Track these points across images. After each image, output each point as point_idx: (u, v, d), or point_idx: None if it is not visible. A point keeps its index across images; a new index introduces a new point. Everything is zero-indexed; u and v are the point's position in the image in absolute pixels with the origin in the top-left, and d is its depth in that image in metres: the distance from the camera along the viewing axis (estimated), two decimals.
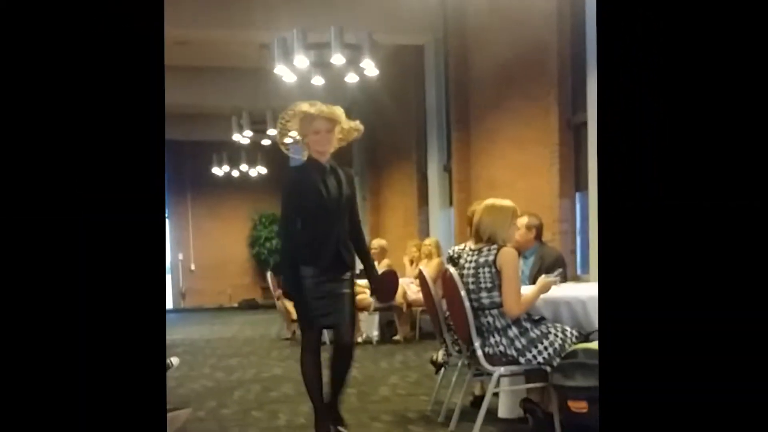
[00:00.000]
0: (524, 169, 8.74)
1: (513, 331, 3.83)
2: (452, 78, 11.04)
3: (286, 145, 4.36)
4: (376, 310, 8.76)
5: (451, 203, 11.17)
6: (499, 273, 3.85)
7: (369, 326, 8.89)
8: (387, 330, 9.08)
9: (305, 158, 4.15)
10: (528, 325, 3.86)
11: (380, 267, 8.89)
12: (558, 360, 3.72)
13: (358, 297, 8.79)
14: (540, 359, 3.77)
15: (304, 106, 4.03)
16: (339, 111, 4.07)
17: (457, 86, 10.84)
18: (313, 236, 3.99)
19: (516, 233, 4.67)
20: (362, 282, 8.95)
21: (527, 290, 4.04)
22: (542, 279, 4.05)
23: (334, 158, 4.20)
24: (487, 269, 3.88)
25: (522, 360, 3.79)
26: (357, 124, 4.19)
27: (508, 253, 3.88)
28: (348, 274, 4.09)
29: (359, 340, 8.71)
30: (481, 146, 10.25)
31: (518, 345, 3.81)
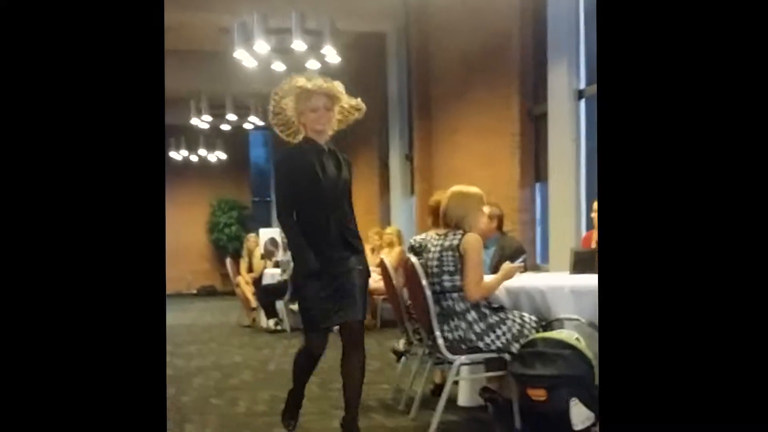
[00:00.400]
0: (485, 158, 8.80)
1: (472, 315, 3.88)
2: (414, 66, 11.06)
3: (279, 124, 3.84)
4: None
5: (412, 192, 11.22)
6: (462, 257, 3.89)
7: None
8: None
9: (300, 139, 3.78)
10: (487, 311, 3.91)
11: None
12: (516, 346, 3.77)
13: None
14: (498, 344, 3.82)
15: (300, 81, 3.66)
16: (339, 87, 3.71)
17: (419, 75, 10.86)
18: (311, 224, 3.64)
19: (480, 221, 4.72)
20: None
21: (490, 278, 4.09)
22: (506, 265, 4.09)
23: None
24: (450, 253, 3.92)
25: (481, 344, 3.84)
26: (359, 102, 3.83)
27: (472, 238, 3.93)
28: (356, 262, 3.69)
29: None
30: (442, 135, 10.29)
31: (477, 329, 3.85)
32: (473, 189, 4.14)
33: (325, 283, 3.60)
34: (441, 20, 10.32)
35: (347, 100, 3.77)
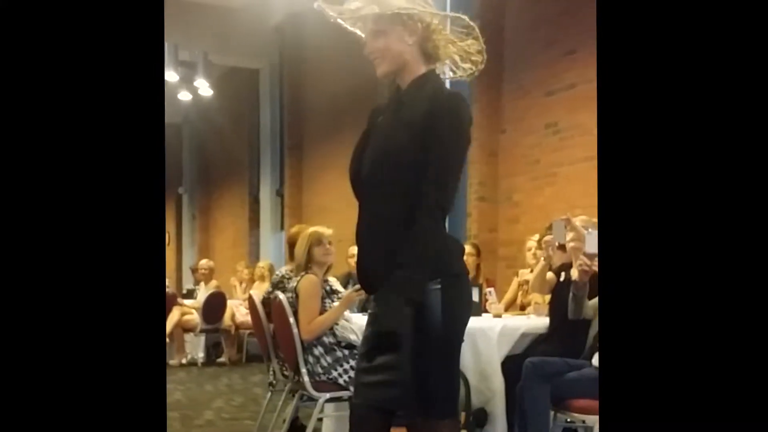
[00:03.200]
0: (354, 199, 9.01)
1: (318, 350, 3.99)
2: (287, 104, 11.21)
3: None
4: (202, 331, 8.70)
5: (282, 227, 11.30)
6: (297, 298, 4.01)
7: (194, 347, 8.82)
8: (213, 352, 9.02)
9: None
10: (335, 347, 4.02)
11: (208, 288, 8.88)
12: None
13: (184, 318, 8.74)
14: (345, 378, 3.95)
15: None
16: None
17: (291, 113, 11.02)
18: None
19: (352, 260, 4.87)
20: (188, 302, 8.94)
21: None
22: (347, 293, 4.20)
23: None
24: (289, 294, 4.04)
25: (325, 377, 3.95)
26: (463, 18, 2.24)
27: (306, 281, 4.02)
28: (391, 312, 2.05)
29: (183, 361, 8.62)
30: (314, 173, 10.47)
31: (324, 363, 3.98)
32: (311, 229, 4.24)
33: (373, 322, 2.21)
34: (314, 61, 10.55)
35: (422, 11, 2.15)
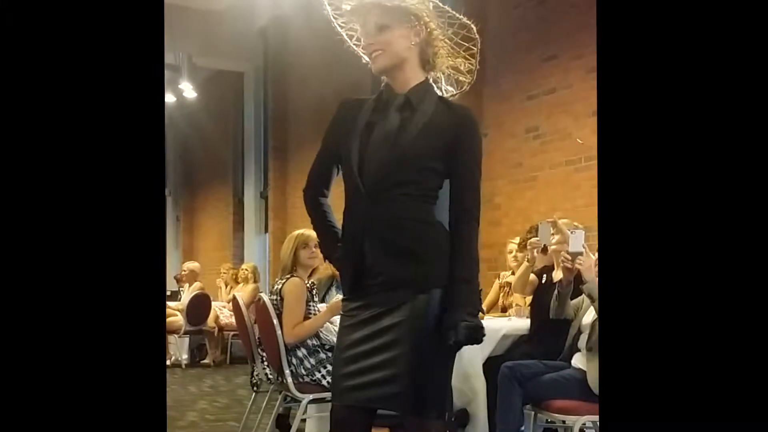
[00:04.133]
0: (338, 201, 9.04)
1: (302, 352, 4.02)
2: (271, 107, 11.23)
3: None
4: (186, 333, 8.69)
5: (266, 230, 11.31)
6: (282, 301, 4.04)
7: (178, 349, 8.80)
8: (197, 353, 9.01)
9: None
10: (318, 348, 4.05)
11: (192, 290, 8.87)
12: None
13: (168, 319, 8.72)
14: (329, 379, 3.97)
15: None
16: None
17: (275, 115, 11.04)
18: (345, 224, 2.28)
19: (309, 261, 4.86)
20: (172, 304, 8.94)
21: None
22: (333, 300, 4.22)
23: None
24: (274, 297, 4.06)
25: (309, 379, 3.98)
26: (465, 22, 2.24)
27: (290, 283, 4.04)
28: (411, 308, 2.09)
29: (167, 363, 8.59)
30: (298, 176, 10.49)
31: (307, 365, 4.00)
32: (297, 232, 4.26)
33: (348, 331, 2.21)
34: (298, 64, 10.56)
35: (429, 17, 2.15)
